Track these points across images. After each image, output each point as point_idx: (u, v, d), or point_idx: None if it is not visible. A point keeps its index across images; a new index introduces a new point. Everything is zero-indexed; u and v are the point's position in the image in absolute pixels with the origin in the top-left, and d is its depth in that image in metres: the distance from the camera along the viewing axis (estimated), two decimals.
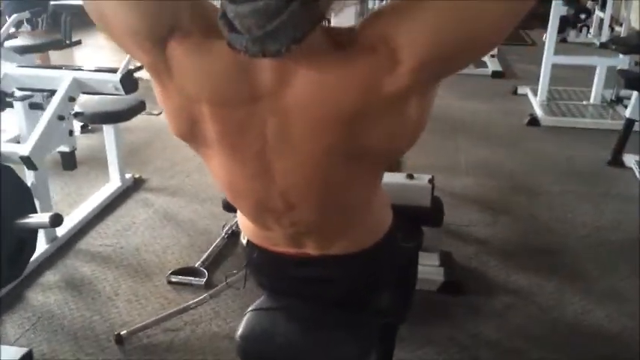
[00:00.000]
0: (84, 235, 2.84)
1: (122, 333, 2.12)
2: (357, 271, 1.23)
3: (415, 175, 1.52)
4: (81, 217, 2.91)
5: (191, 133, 1.01)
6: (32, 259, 2.53)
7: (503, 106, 4.83)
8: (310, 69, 0.88)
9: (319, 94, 0.89)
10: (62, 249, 2.72)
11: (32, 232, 2.26)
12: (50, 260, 2.63)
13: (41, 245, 2.66)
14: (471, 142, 4.05)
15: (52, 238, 2.70)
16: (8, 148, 2.35)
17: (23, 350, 2.01)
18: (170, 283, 2.45)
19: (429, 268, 2.53)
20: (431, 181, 1.50)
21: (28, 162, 2.32)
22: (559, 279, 2.53)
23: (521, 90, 5.08)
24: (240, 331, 1.23)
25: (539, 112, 4.49)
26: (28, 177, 2.52)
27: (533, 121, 4.36)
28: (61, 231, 2.76)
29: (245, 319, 1.27)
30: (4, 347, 2.03)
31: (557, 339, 2.18)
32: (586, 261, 2.68)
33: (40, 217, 2.03)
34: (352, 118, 0.89)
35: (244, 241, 1.30)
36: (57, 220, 2.04)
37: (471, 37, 0.85)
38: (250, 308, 1.30)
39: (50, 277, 2.53)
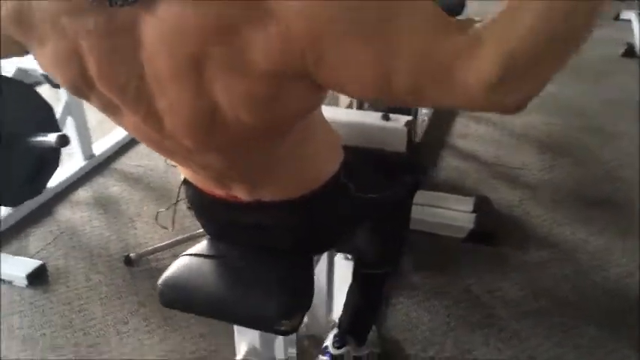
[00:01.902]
0: (121, 154, 2.89)
1: (131, 255, 2.15)
2: (292, 219, 1.12)
3: (392, 116, 1.31)
4: (121, 137, 2.94)
5: (81, 77, 0.87)
6: (68, 175, 2.62)
7: (599, 34, 4.20)
8: None
9: (174, 24, 0.74)
10: (99, 167, 2.78)
11: (53, 151, 2.30)
12: (85, 177, 2.70)
13: (78, 162, 2.74)
14: None
15: (89, 156, 2.76)
16: (31, 66, 2.37)
17: (37, 263, 2.09)
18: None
19: (459, 213, 2.33)
20: (409, 123, 1.29)
21: (48, 79, 2.33)
22: (609, 236, 2.23)
23: (624, 14, 4.42)
24: (164, 275, 1.16)
25: (638, 40, 3.89)
26: (62, 95, 2.55)
27: (630, 52, 3.80)
28: (98, 149, 2.82)
29: (174, 262, 1.19)
30: (20, 259, 2.12)
31: (590, 304, 1.94)
32: None
33: (49, 137, 2.05)
34: (201, 61, 0.75)
35: (181, 178, 1.20)
36: (62, 140, 2.04)
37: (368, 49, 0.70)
38: (184, 252, 1.22)
39: (82, 193, 2.60)
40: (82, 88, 0.87)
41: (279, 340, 1.38)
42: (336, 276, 1.77)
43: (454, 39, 0.69)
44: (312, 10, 0.69)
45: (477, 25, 0.70)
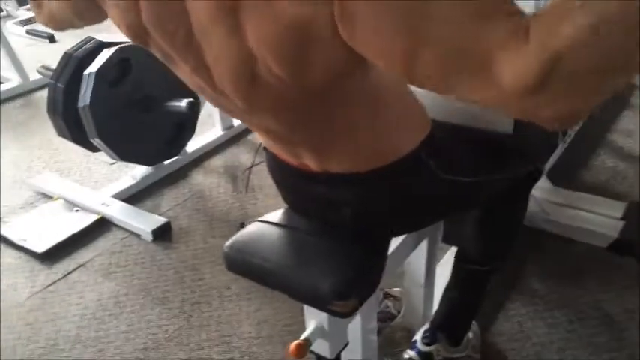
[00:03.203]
0: None
1: (246, 223, 2.18)
2: (360, 194, 1.03)
3: None
4: None
5: (138, 24, 0.87)
6: (205, 143, 2.77)
7: None
8: None
9: None
10: (235, 138, 2.90)
11: (190, 119, 2.43)
12: (221, 146, 2.83)
13: (217, 132, 2.87)
14: None
15: (227, 127, 2.89)
16: None
17: (163, 221, 2.23)
18: None
19: (604, 219, 2.04)
20: None
21: None
22: None
23: None
24: (232, 238, 1.14)
25: None
26: None
27: None
28: (237, 121, 2.93)
29: (245, 227, 1.17)
30: (150, 215, 2.28)
31: None
32: None
33: (182, 102, 2.16)
34: (235, 4, 0.72)
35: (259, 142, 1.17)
36: (192, 105, 2.15)
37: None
38: (259, 218, 1.19)
39: (216, 161, 2.73)
40: (140, 35, 0.87)
41: (356, 324, 1.30)
42: (444, 269, 1.64)
43: (497, 27, 0.59)
44: None
45: (532, 13, 0.60)
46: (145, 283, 1.99)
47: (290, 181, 1.13)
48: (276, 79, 0.78)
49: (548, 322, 1.71)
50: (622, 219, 2.02)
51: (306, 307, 1.20)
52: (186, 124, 2.43)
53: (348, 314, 1.00)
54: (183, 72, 0.90)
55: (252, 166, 1.27)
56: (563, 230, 2.04)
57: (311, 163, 1.02)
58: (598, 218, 2.05)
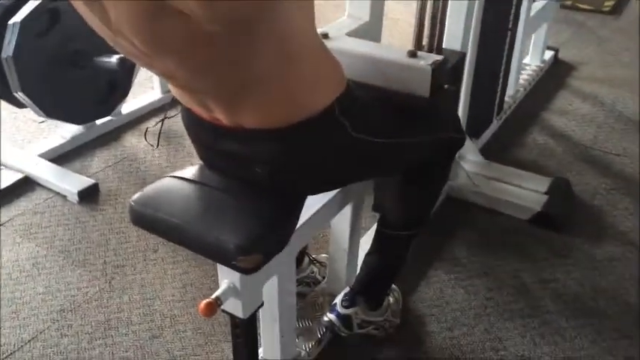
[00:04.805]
0: None
1: None
2: (270, 149, 1.01)
3: (419, 54, 1.12)
4: None
5: None
6: (141, 105, 2.69)
7: None
8: None
9: None
10: (174, 102, 2.81)
11: (124, 78, 2.35)
12: (159, 110, 2.74)
13: (156, 94, 2.79)
14: None
15: (166, 90, 2.81)
16: None
17: (90, 182, 2.16)
18: None
19: (529, 192, 2.09)
20: (437, 64, 1.10)
21: None
22: None
23: None
24: (139, 192, 1.11)
25: None
26: None
27: None
28: None
29: (155, 182, 1.14)
30: (78, 176, 2.20)
31: None
32: None
33: (112, 59, 2.08)
34: None
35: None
36: (122, 62, 2.07)
37: None
38: (171, 173, 1.16)
39: (152, 124, 2.65)
40: None
41: (272, 285, 1.29)
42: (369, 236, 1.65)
43: None
44: None
45: None
46: (66, 244, 1.93)
47: (203, 136, 1.10)
48: (183, 11, 0.75)
49: (468, 289, 1.76)
50: (546, 193, 2.08)
51: (219, 266, 1.19)
52: (119, 83, 2.34)
53: (252, 270, 0.99)
54: (81, 7, 0.86)
55: (164, 118, 1.23)
56: (489, 202, 2.09)
57: (222, 117, 1.00)
58: (523, 192, 2.10)
